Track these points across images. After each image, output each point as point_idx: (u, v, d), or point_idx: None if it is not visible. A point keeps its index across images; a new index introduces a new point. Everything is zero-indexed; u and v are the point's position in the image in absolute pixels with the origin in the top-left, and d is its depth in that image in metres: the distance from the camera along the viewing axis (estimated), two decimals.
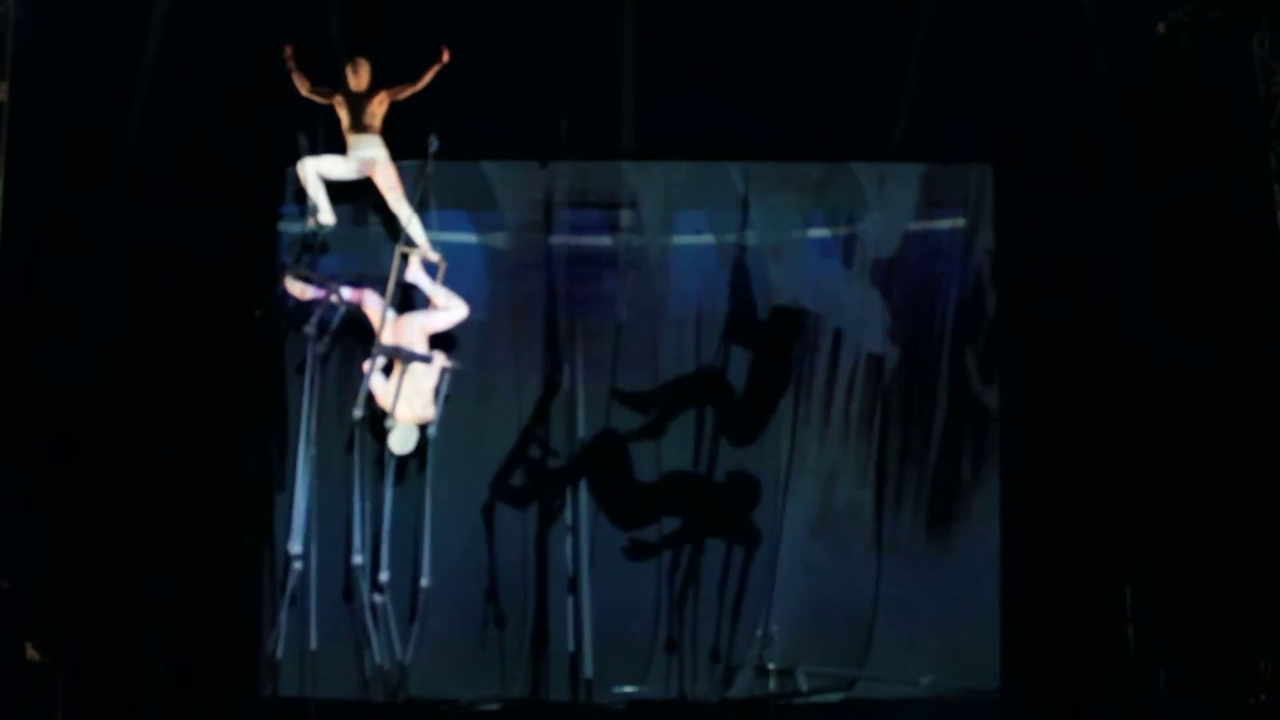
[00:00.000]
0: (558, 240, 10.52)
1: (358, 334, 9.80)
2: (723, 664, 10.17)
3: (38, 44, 9.08)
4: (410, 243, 9.69)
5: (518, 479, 10.31)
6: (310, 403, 9.70)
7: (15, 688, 8.79)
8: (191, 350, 10.03)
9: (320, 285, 9.60)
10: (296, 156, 9.71)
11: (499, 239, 10.54)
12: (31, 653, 8.93)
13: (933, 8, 10.26)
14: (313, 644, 9.62)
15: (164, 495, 9.89)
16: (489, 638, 10.11)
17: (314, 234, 9.74)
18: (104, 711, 9.37)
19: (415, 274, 9.76)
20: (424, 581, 9.74)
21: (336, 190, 9.76)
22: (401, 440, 9.51)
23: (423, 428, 9.58)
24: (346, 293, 9.61)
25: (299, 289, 9.67)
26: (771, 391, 10.50)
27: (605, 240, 10.59)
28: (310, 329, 9.54)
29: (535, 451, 10.33)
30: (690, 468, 10.37)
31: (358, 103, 9.60)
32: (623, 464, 10.36)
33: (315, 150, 9.71)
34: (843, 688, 10.08)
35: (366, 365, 9.49)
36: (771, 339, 10.53)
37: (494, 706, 10.08)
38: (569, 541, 10.20)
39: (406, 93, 9.58)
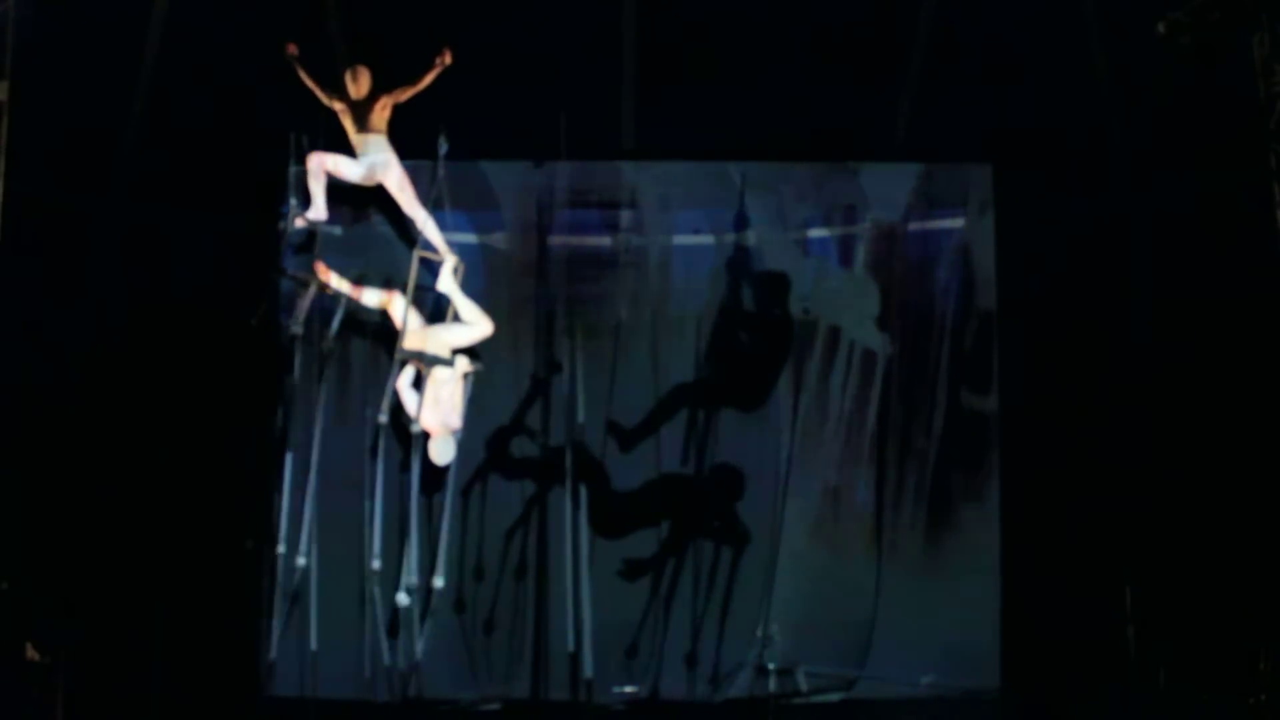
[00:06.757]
0: (557, 240, 10.51)
1: (370, 336, 9.83)
2: (723, 664, 10.15)
3: (38, 44, 9.08)
4: (429, 247, 9.65)
5: (516, 477, 10.31)
6: (319, 404, 9.73)
7: (15, 688, 8.78)
8: (191, 350, 10.04)
9: (325, 284, 9.59)
10: (296, 156, 9.69)
11: (499, 239, 10.53)
12: (31, 653, 8.92)
13: (933, 8, 10.26)
14: (313, 644, 9.63)
15: (164, 496, 9.90)
16: (489, 638, 10.10)
17: (307, 231, 9.71)
18: (104, 711, 9.38)
19: (446, 283, 9.65)
20: (437, 582, 9.72)
21: (339, 191, 9.74)
22: (440, 451, 9.47)
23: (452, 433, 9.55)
24: (350, 289, 9.61)
25: (324, 275, 9.59)
26: (770, 391, 10.50)
27: (605, 240, 10.60)
28: (327, 334, 9.53)
29: (535, 449, 10.32)
30: (679, 469, 10.37)
31: (360, 110, 9.55)
32: (607, 473, 10.36)
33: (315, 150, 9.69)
34: (843, 688, 10.08)
35: (394, 373, 9.47)
36: (771, 339, 10.53)
37: (494, 706, 10.08)
38: (569, 541, 10.19)
39: (407, 94, 9.50)
